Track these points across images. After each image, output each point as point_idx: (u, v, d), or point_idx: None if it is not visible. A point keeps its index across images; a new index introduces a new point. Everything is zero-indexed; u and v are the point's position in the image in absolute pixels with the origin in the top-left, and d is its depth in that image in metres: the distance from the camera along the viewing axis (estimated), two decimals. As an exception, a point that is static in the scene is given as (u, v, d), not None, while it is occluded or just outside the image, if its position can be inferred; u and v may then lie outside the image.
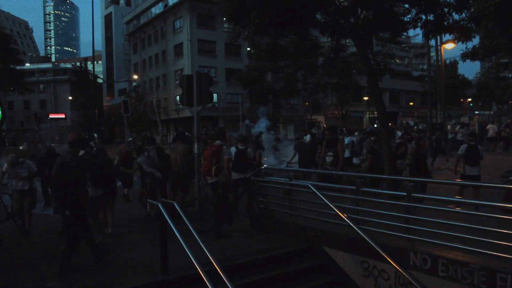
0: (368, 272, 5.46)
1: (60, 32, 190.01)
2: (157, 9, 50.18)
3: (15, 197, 7.55)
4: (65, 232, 7.30)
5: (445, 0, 8.67)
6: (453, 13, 8.68)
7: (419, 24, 9.12)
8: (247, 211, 7.65)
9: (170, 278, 5.07)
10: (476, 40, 15.80)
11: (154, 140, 9.97)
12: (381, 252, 4.99)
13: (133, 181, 11.39)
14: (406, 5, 9.39)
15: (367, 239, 5.17)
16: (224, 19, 17.45)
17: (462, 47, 60.81)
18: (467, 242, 4.59)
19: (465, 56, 16.12)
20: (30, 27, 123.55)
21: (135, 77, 51.12)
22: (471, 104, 55.94)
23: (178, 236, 4.69)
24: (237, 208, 7.76)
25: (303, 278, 5.77)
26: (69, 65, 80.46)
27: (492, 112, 62.94)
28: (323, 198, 5.87)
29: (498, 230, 4.34)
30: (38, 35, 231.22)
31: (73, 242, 5.59)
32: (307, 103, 47.15)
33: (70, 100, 63.35)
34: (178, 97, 41.77)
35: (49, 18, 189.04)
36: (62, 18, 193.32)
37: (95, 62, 30.72)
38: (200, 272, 4.25)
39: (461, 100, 49.86)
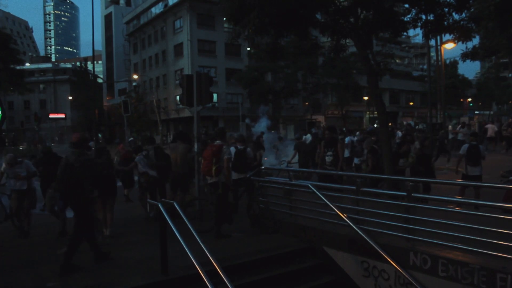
0: (368, 272, 5.46)
1: (60, 32, 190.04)
2: (157, 9, 50.17)
3: (14, 197, 7.53)
4: (65, 232, 7.32)
5: (445, 0, 8.67)
6: (453, 13, 8.68)
7: (419, 24, 9.12)
8: (247, 211, 7.65)
9: (170, 278, 5.07)
10: (476, 40, 15.84)
11: (154, 139, 9.97)
12: (381, 252, 4.99)
13: (135, 181, 11.38)
14: (406, 5, 9.38)
15: (367, 239, 5.17)
16: (224, 19, 17.44)
17: (462, 47, 60.72)
18: (467, 242, 4.59)
19: (465, 56, 16.12)
20: (30, 27, 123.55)
21: (135, 77, 51.12)
22: (471, 104, 55.93)
23: (178, 236, 4.69)
24: (237, 208, 7.76)
25: (303, 278, 5.77)
26: (69, 65, 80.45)
27: (492, 112, 62.95)
28: (323, 198, 5.86)
29: (498, 230, 4.34)
30: (38, 35, 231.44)
31: (76, 242, 5.61)
32: (307, 103, 47.15)
33: (70, 100, 63.37)
34: (178, 97, 41.77)
35: (49, 18, 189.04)
36: (62, 18, 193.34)
37: (95, 62, 30.70)
38: (200, 272, 4.25)
39: (461, 100, 49.85)
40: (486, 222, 4.55)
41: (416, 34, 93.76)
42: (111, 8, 68.51)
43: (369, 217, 5.71)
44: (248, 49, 39.19)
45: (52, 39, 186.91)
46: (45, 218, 8.95)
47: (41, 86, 68.58)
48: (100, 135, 30.40)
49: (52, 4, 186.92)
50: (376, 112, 12.95)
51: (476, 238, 4.50)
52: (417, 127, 33.94)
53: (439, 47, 20.09)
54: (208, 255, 4.46)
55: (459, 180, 8.76)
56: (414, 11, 9.14)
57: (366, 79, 9.78)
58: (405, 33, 10.41)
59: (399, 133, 21.90)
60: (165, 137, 42.73)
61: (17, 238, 7.39)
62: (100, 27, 71.14)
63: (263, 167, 8.22)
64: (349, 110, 47.55)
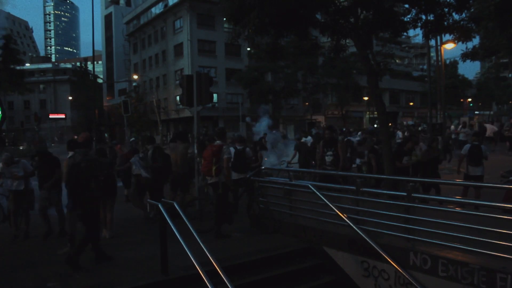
0: (368, 272, 5.46)
1: (60, 32, 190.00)
2: (157, 9, 50.17)
3: (11, 198, 7.48)
4: (64, 232, 7.31)
5: (445, 0, 8.67)
6: (453, 13, 8.68)
7: (419, 24, 9.12)
8: (247, 211, 7.65)
9: (170, 278, 5.07)
10: (476, 40, 15.81)
11: (154, 139, 9.96)
12: (381, 252, 4.99)
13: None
14: (406, 5, 9.39)
15: (367, 239, 5.17)
16: (224, 19, 17.44)
17: (462, 47, 60.87)
18: (467, 242, 4.59)
19: (465, 56, 16.14)
20: (30, 27, 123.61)
21: (135, 77, 51.09)
22: (471, 104, 55.88)
23: (178, 236, 4.69)
24: (237, 208, 7.76)
25: (303, 278, 5.76)
26: (69, 65, 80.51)
27: (492, 112, 62.95)
28: (323, 198, 5.86)
29: (498, 230, 4.34)
30: (38, 35, 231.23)
31: (85, 241, 5.66)
32: (307, 103, 47.13)
33: (70, 100, 63.39)
34: (178, 97, 41.76)
35: (49, 18, 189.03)
36: (62, 18, 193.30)
37: (95, 62, 30.72)
38: (200, 272, 4.25)
39: (461, 100, 49.80)
40: (486, 222, 4.54)
41: (416, 34, 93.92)
42: (111, 8, 68.53)
43: (369, 217, 5.71)
44: (248, 49, 39.18)
45: (52, 39, 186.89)
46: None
47: (41, 86, 68.61)
48: (106, 135, 30.37)
49: (52, 4, 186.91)
50: (376, 112, 12.95)
51: (476, 238, 4.49)
52: (420, 128, 33.92)
53: (439, 47, 20.07)
54: (208, 255, 4.46)
55: (459, 180, 8.76)
56: (414, 11, 9.14)
57: (366, 79, 9.78)
58: (405, 33, 10.41)
59: (399, 133, 21.93)
60: (165, 137, 42.71)
61: (14, 239, 7.33)
62: (100, 27, 71.16)
63: (263, 167, 8.22)
64: (349, 110, 47.54)
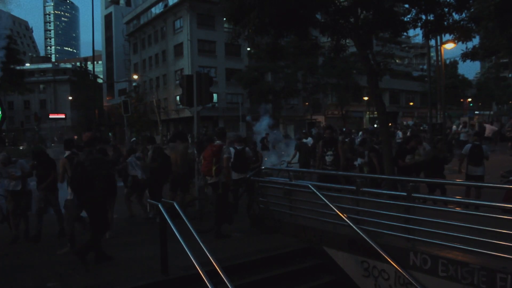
0: (368, 272, 5.46)
1: (60, 32, 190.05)
2: (157, 9, 50.17)
3: (10, 198, 7.43)
4: (64, 232, 7.29)
5: (445, 0, 8.66)
6: (453, 13, 8.68)
7: (419, 24, 9.12)
8: (247, 211, 7.65)
9: (170, 278, 5.06)
10: (476, 40, 15.81)
11: (154, 139, 9.95)
12: (381, 252, 4.99)
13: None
14: (406, 5, 9.38)
15: (367, 239, 5.17)
16: (224, 19, 17.43)
17: (462, 47, 60.73)
18: (467, 242, 4.59)
19: (465, 56, 16.11)
20: (30, 27, 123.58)
21: (135, 77, 51.09)
22: (471, 104, 55.90)
23: (178, 236, 4.69)
24: (237, 208, 7.76)
25: (303, 278, 5.77)
26: (69, 65, 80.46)
27: (492, 112, 62.95)
28: (323, 198, 5.86)
29: (498, 230, 4.34)
30: (38, 35, 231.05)
31: (94, 240, 5.68)
32: (307, 103, 47.14)
33: (70, 100, 63.34)
34: (178, 97, 41.76)
35: (49, 18, 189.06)
36: (62, 18, 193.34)
37: (95, 62, 30.72)
38: (200, 272, 4.24)
39: (461, 100, 49.85)
40: (486, 222, 4.54)
41: (416, 34, 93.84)
42: (111, 8, 68.55)
43: (369, 217, 5.71)
44: (248, 49, 39.18)
45: (52, 39, 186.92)
46: (44, 218, 8.93)
47: (41, 86, 68.57)
48: (110, 134, 30.41)
49: (52, 4, 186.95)
50: (376, 112, 12.94)
51: (476, 238, 4.49)
52: (421, 127, 33.91)
53: (439, 47, 20.05)
54: (208, 255, 4.46)
55: (459, 180, 8.75)
56: (414, 11, 9.13)
57: (366, 79, 9.77)
58: (405, 33, 10.40)
59: (399, 133, 21.94)
60: (165, 137, 42.71)
61: (15, 240, 7.32)
62: (100, 27, 71.19)
63: (263, 167, 8.22)
64: (349, 110, 47.55)
